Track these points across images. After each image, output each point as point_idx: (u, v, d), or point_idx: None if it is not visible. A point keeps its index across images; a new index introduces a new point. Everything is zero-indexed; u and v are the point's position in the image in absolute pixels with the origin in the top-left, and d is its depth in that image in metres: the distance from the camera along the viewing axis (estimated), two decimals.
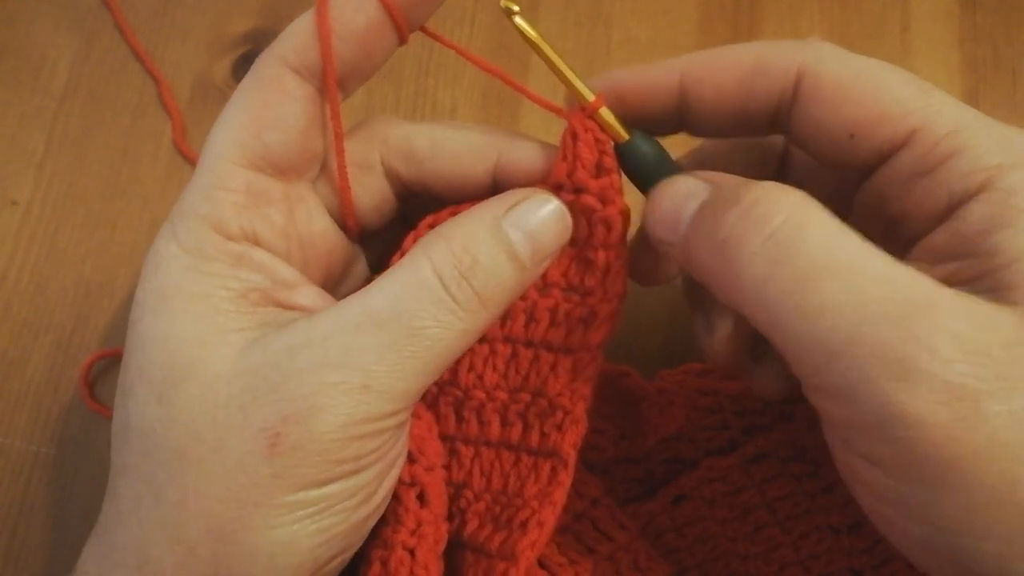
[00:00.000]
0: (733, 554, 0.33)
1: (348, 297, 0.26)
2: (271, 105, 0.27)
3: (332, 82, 0.27)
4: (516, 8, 0.27)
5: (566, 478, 0.27)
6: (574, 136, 0.28)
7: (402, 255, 0.28)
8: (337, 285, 0.31)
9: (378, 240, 0.32)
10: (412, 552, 0.27)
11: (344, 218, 0.30)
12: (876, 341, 0.21)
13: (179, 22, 0.47)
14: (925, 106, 0.25)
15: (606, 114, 0.28)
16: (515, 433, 0.29)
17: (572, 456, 0.27)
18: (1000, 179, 0.24)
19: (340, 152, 0.28)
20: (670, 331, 0.41)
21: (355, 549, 0.27)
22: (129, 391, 0.25)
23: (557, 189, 0.28)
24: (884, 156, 0.26)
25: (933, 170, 0.25)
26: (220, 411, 0.24)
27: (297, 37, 0.27)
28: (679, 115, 0.29)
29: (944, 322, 0.21)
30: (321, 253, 0.29)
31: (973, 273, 0.23)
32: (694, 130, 0.30)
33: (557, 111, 0.29)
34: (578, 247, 0.29)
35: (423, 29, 0.29)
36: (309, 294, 0.27)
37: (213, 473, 0.24)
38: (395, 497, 0.28)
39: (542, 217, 0.27)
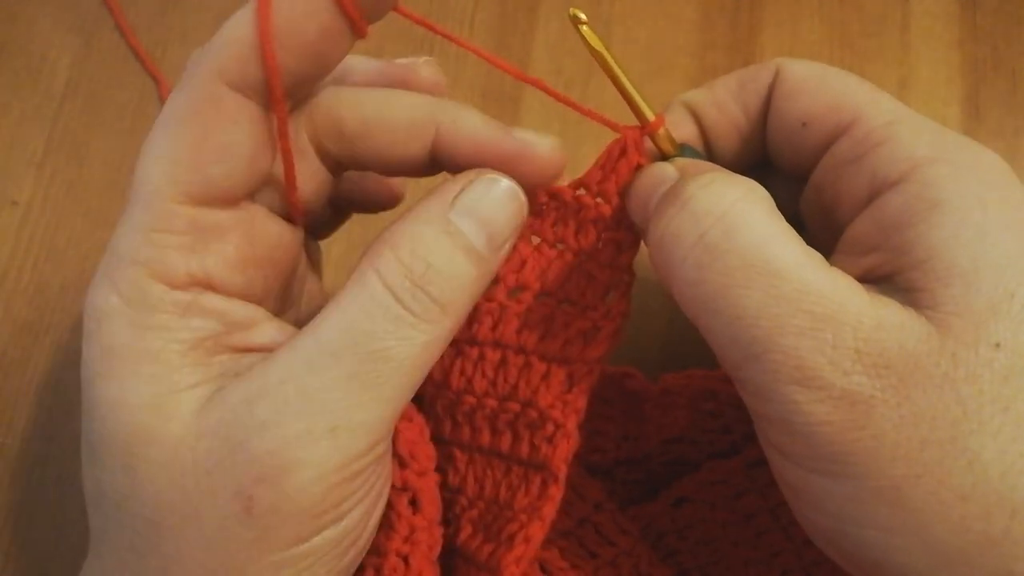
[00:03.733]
0: (735, 558, 0.33)
1: (301, 331, 0.24)
2: (212, 133, 0.23)
3: (280, 104, 0.24)
4: (584, 17, 0.26)
5: (556, 492, 0.26)
6: (622, 151, 0.28)
7: None
8: (293, 276, 0.29)
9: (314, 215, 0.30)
10: (406, 559, 0.26)
11: (292, 220, 0.28)
12: (786, 350, 0.23)
13: (179, 22, 0.47)
14: (870, 99, 0.27)
15: (662, 132, 0.28)
16: (505, 442, 0.28)
17: (563, 471, 0.26)
18: (920, 171, 0.24)
19: (290, 176, 0.26)
20: (671, 333, 0.41)
21: None
22: (96, 458, 0.24)
23: (578, 186, 0.28)
24: (829, 144, 0.27)
25: (863, 156, 0.26)
26: (188, 478, 0.22)
27: (234, 47, 0.23)
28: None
29: (850, 336, 0.22)
30: (278, 261, 0.27)
31: (891, 269, 0.24)
32: (720, 161, 0.31)
33: (612, 125, 0.28)
34: (581, 258, 0.28)
35: (447, 35, 0.27)
36: (268, 331, 0.25)
37: (191, 541, 0.22)
38: (387, 504, 0.27)
39: (493, 199, 0.26)
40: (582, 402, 0.27)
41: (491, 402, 0.28)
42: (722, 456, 0.35)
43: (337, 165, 0.28)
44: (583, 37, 0.26)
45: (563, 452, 0.26)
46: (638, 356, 0.40)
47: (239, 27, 0.23)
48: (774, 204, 0.25)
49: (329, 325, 0.23)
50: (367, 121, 0.27)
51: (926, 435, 0.22)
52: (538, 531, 0.26)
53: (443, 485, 0.29)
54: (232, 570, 0.23)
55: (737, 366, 0.24)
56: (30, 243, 0.43)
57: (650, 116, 0.27)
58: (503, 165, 0.27)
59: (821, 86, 0.28)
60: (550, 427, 0.27)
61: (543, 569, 0.29)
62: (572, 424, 0.27)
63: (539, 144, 0.27)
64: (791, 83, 0.28)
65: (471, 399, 0.28)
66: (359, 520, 0.24)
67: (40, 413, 0.41)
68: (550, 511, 0.26)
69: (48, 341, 0.42)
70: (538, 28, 0.46)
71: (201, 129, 0.23)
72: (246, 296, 0.25)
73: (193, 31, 0.47)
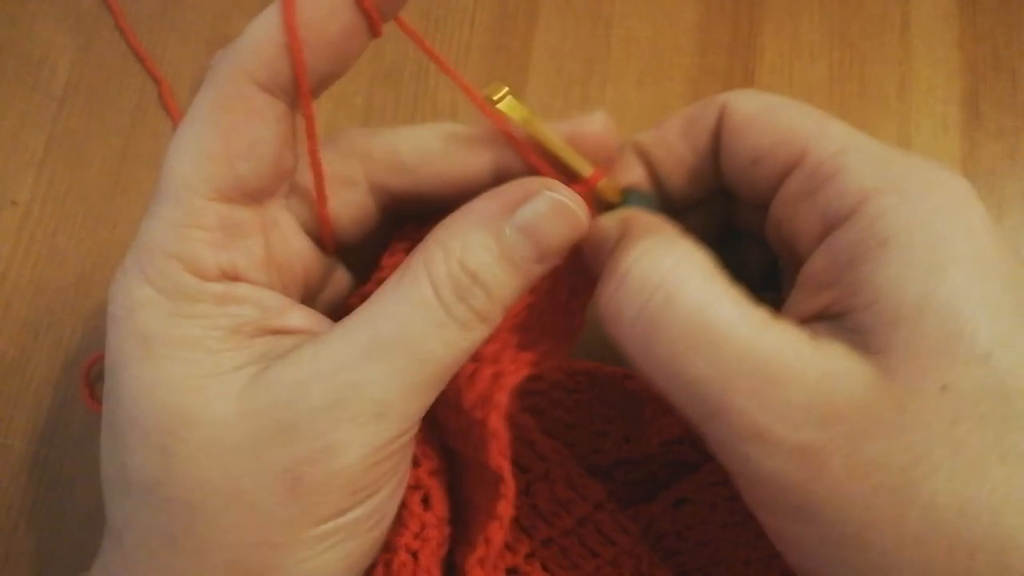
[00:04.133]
0: (735, 559, 0.33)
1: (350, 320, 0.25)
2: (241, 130, 0.24)
3: (307, 102, 0.25)
4: (496, 97, 0.25)
5: (507, 491, 0.26)
6: None
7: (379, 270, 0.28)
8: (314, 298, 0.30)
9: (359, 246, 0.31)
10: (415, 555, 0.27)
11: (322, 237, 0.29)
12: (737, 411, 0.23)
13: (179, 22, 0.47)
14: (818, 131, 0.26)
15: (604, 184, 0.28)
16: (462, 446, 0.28)
17: (504, 467, 0.26)
18: (869, 204, 0.24)
19: (319, 176, 0.27)
20: None
21: (370, 563, 0.27)
22: (122, 444, 0.24)
23: None
24: (781, 180, 0.27)
25: (815, 191, 0.25)
26: (231, 457, 0.23)
27: (264, 50, 0.24)
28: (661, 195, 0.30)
29: (797, 392, 0.22)
30: (298, 273, 0.28)
31: (842, 307, 0.24)
32: (673, 204, 0.31)
33: (544, 170, 0.28)
34: (537, 296, 0.28)
35: (433, 54, 0.27)
36: (300, 316, 0.26)
37: (233, 520, 0.23)
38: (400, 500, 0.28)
39: (551, 216, 0.25)
40: (501, 397, 0.26)
41: (441, 411, 0.28)
42: None
43: (394, 202, 0.29)
44: (501, 113, 0.26)
45: (494, 449, 0.26)
46: None
47: (265, 27, 0.24)
48: (712, 264, 0.25)
49: (383, 321, 0.24)
50: (424, 148, 0.28)
51: (878, 482, 0.22)
52: (496, 531, 0.26)
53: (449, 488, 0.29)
54: (271, 547, 0.23)
55: (697, 424, 0.24)
56: (30, 243, 0.43)
57: (588, 171, 0.27)
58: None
59: (768, 120, 0.27)
60: (476, 428, 0.27)
61: (544, 568, 0.29)
62: (495, 420, 0.26)
63: (590, 122, 0.28)
64: (737, 119, 0.28)
65: (434, 409, 0.28)
66: (387, 497, 0.26)
67: (40, 413, 0.41)
68: (504, 509, 0.26)
69: (48, 341, 0.42)
70: (538, 28, 0.46)
71: (230, 126, 0.24)
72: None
73: (193, 31, 0.47)
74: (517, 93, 0.45)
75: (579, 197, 0.26)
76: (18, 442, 0.41)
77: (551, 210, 0.26)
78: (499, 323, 0.26)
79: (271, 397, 0.23)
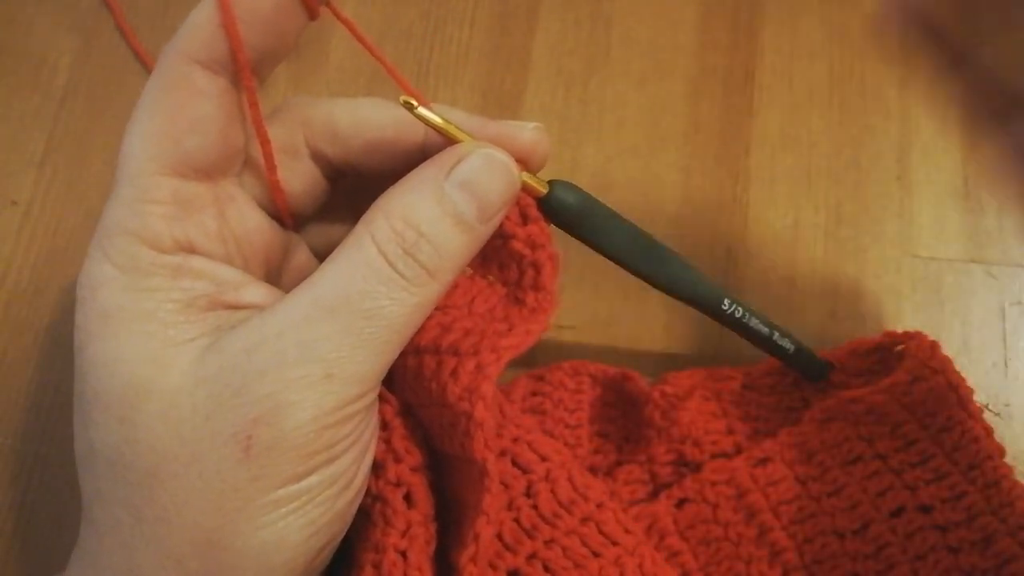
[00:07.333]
0: (737, 558, 0.33)
1: (297, 288, 0.25)
2: (185, 107, 0.25)
3: (247, 75, 0.25)
4: (415, 103, 0.26)
5: (490, 484, 0.26)
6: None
7: None
8: (279, 277, 0.30)
9: (315, 223, 0.32)
10: (404, 554, 0.27)
11: (278, 211, 0.29)
12: None
13: (179, 22, 0.46)
14: None
15: (524, 176, 0.28)
16: (448, 444, 0.28)
17: (489, 458, 0.26)
18: None
19: (266, 146, 0.27)
20: (673, 334, 0.41)
21: (341, 536, 0.27)
22: (88, 419, 0.24)
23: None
24: None
25: None
26: (186, 424, 0.23)
27: (202, 30, 0.25)
28: None
29: None
30: (258, 249, 0.28)
31: None
32: None
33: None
34: (510, 287, 0.29)
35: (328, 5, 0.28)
36: (257, 292, 0.26)
37: (190, 486, 0.23)
38: (382, 499, 0.28)
39: (488, 171, 0.26)
40: (487, 388, 0.26)
41: (423, 412, 0.28)
42: (724, 456, 0.35)
43: (333, 170, 0.30)
44: (420, 119, 0.26)
45: (479, 442, 0.26)
46: (638, 359, 0.40)
47: (202, 13, 0.25)
48: None
49: (326, 283, 0.25)
50: (359, 120, 0.29)
51: None
52: (483, 526, 0.26)
53: (433, 486, 0.29)
54: (230, 511, 0.23)
55: None
56: (30, 243, 0.43)
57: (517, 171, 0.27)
58: None
59: None
60: (462, 420, 0.27)
61: (546, 569, 0.29)
62: (480, 411, 0.26)
63: (521, 130, 0.28)
64: None
65: (417, 411, 0.29)
66: (350, 464, 0.25)
67: (40, 413, 0.41)
68: (489, 503, 0.26)
69: (48, 341, 0.42)
70: (538, 28, 0.46)
71: (175, 104, 0.25)
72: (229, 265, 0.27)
73: None
74: (517, 92, 0.45)
75: (510, 155, 0.27)
76: (18, 442, 0.41)
77: (485, 165, 0.26)
78: (454, 287, 0.26)
79: (221, 363, 0.24)
